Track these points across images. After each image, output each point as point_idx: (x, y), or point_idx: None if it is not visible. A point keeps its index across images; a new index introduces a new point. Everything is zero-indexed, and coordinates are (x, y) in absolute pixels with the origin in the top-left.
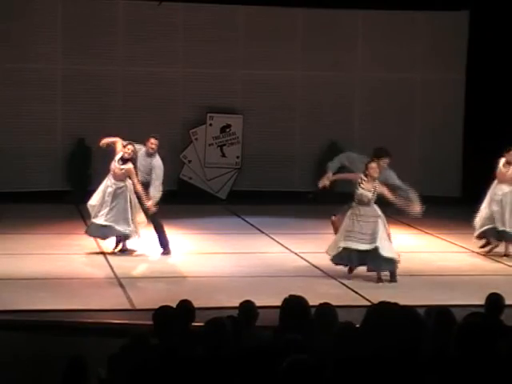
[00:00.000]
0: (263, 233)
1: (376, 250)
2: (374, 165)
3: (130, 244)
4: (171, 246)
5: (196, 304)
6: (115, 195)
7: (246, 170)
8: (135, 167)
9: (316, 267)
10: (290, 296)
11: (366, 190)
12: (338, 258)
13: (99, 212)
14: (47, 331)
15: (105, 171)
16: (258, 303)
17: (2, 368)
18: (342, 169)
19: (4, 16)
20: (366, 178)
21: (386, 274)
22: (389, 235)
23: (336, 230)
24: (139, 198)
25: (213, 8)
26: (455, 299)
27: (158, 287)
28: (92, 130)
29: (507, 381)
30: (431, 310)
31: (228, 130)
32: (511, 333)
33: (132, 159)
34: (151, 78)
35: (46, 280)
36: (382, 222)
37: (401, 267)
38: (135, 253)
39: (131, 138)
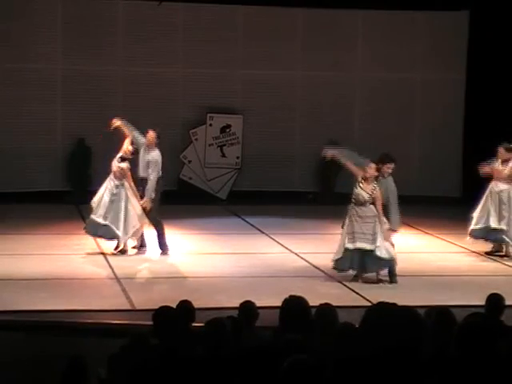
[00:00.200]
0: (263, 233)
1: (375, 251)
2: (373, 165)
3: (131, 245)
4: (171, 246)
5: (196, 304)
6: (113, 194)
7: (246, 170)
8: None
9: (316, 267)
10: (290, 296)
11: (364, 190)
12: (340, 263)
13: (98, 209)
14: (47, 331)
15: (105, 171)
16: (258, 303)
17: (2, 368)
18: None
19: (4, 16)
20: (365, 179)
21: (385, 274)
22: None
23: None
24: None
25: (213, 8)
26: (455, 299)
27: (158, 287)
28: (92, 130)
29: (507, 381)
30: (431, 310)
31: (228, 130)
32: (511, 333)
33: (130, 159)
34: (151, 78)
35: (47, 280)
36: (379, 223)
37: (401, 267)
38: (136, 253)
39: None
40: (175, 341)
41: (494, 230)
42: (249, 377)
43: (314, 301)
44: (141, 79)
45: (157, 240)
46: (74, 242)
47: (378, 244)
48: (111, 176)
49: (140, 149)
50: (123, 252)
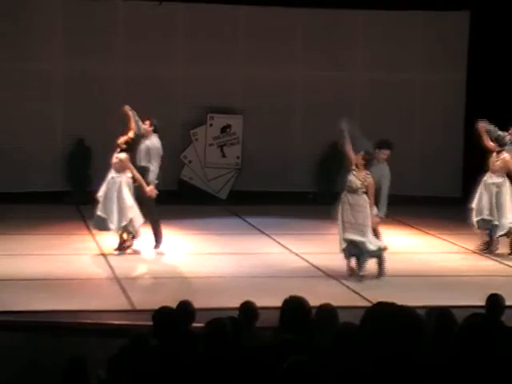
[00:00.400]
0: (263, 233)
1: (364, 243)
2: (361, 154)
3: (135, 244)
4: (169, 245)
5: (196, 305)
6: (111, 186)
7: (246, 170)
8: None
9: (316, 267)
10: (291, 296)
11: (356, 177)
12: (346, 252)
13: (100, 203)
14: (47, 332)
15: (105, 171)
16: (258, 304)
17: (2, 368)
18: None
19: (4, 16)
20: (357, 166)
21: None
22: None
23: None
24: (141, 187)
25: (213, 8)
26: (455, 300)
27: (158, 288)
28: (92, 130)
29: (508, 382)
30: (432, 310)
31: (228, 130)
32: None
33: (128, 150)
34: (151, 78)
35: (46, 281)
36: (369, 213)
37: (401, 267)
38: (133, 251)
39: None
40: (175, 341)
41: (488, 221)
42: (249, 377)
43: (314, 301)
44: (141, 79)
45: (152, 234)
46: (74, 243)
47: (367, 237)
48: (111, 169)
49: (141, 138)
50: (125, 247)
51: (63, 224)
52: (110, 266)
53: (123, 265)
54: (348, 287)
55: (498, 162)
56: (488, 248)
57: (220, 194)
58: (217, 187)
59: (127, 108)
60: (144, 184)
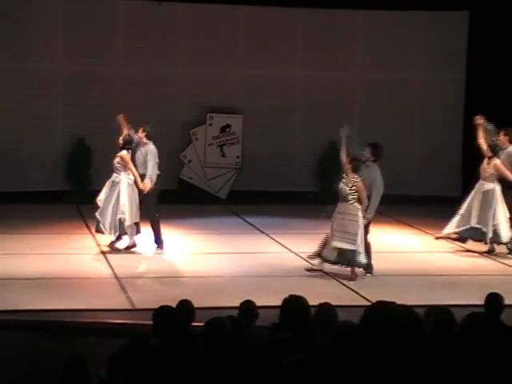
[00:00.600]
0: (263, 233)
1: (354, 252)
2: (349, 160)
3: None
4: (169, 245)
5: (196, 304)
6: (111, 189)
7: (246, 170)
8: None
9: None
10: (290, 296)
11: (345, 184)
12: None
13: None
14: (47, 331)
15: (105, 171)
16: (257, 303)
17: (2, 367)
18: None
19: (4, 16)
20: (347, 172)
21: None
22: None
23: None
24: (136, 182)
25: (213, 8)
26: (455, 299)
27: (158, 287)
28: (92, 130)
29: (507, 381)
30: (431, 309)
31: (228, 129)
32: (511, 333)
33: (126, 147)
34: (151, 78)
35: (47, 280)
36: (361, 224)
37: (400, 267)
38: (136, 252)
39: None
40: (175, 340)
41: (476, 229)
42: (249, 376)
43: (313, 300)
44: (141, 79)
45: (153, 236)
46: (74, 242)
47: (359, 247)
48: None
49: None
50: (128, 247)
51: (63, 223)
52: (110, 266)
53: (123, 264)
54: (347, 286)
55: (489, 169)
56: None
57: (220, 193)
58: (217, 187)
59: (121, 118)
60: (139, 180)
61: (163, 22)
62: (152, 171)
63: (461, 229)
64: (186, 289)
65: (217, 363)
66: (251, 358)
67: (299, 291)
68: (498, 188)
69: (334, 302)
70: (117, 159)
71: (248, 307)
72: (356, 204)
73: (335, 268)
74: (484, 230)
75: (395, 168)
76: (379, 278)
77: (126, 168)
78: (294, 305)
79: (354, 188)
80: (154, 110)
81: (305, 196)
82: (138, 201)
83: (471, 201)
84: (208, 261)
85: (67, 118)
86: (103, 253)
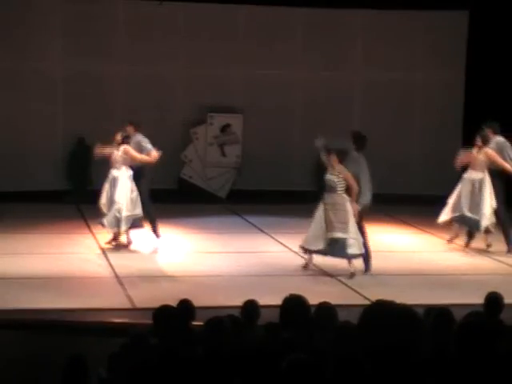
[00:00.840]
0: (263, 232)
1: (345, 241)
2: (335, 155)
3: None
4: (167, 243)
5: (196, 303)
6: (110, 186)
7: (246, 170)
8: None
9: (315, 266)
10: (290, 295)
11: (331, 174)
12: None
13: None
14: (48, 330)
15: (105, 171)
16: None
17: (2, 367)
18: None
19: (4, 16)
20: (333, 165)
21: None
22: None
23: None
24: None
25: (213, 7)
26: (455, 298)
27: (158, 286)
28: (92, 130)
29: (506, 380)
30: (431, 309)
31: (228, 129)
32: (510, 332)
33: (125, 142)
34: (151, 78)
35: (47, 279)
36: (351, 213)
37: (401, 266)
38: (137, 251)
39: None
40: (175, 340)
41: (468, 217)
42: (248, 375)
43: (313, 299)
44: (141, 79)
45: (151, 229)
46: (74, 241)
47: (347, 236)
48: (111, 170)
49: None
50: (119, 245)
51: (63, 223)
52: (111, 265)
53: (123, 263)
54: (347, 285)
55: (480, 157)
56: (467, 243)
57: (220, 192)
58: (217, 186)
59: (99, 152)
60: (145, 157)
61: (163, 21)
62: (151, 146)
63: (455, 215)
64: (187, 288)
65: (216, 363)
66: (251, 357)
67: (299, 290)
68: (487, 177)
69: (333, 301)
70: (118, 154)
71: (251, 307)
72: (344, 195)
73: (330, 262)
74: (476, 218)
75: (395, 168)
76: (379, 277)
77: (127, 162)
78: (294, 304)
79: (341, 177)
80: (155, 109)
81: (304, 195)
82: (137, 195)
83: (461, 190)
84: (208, 260)
85: (67, 117)
86: (103, 252)
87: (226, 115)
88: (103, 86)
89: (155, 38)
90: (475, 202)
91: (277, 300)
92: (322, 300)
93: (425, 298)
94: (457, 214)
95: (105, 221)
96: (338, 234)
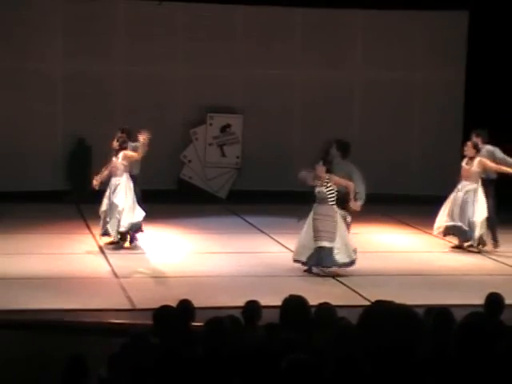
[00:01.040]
0: (263, 232)
1: (331, 250)
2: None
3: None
4: (167, 244)
5: (196, 303)
6: (112, 190)
7: (246, 170)
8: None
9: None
10: (290, 296)
11: (320, 185)
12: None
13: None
14: (47, 331)
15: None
16: None
17: (2, 367)
18: None
19: (4, 16)
20: (320, 177)
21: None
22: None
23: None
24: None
25: (213, 7)
26: (455, 299)
27: (158, 287)
28: (92, 130)
29: (506, 381)
30: (431, 309)
31: (228, 129)
32: (511, 333)
33: (123, 147)
34: (151, 78)
35: (46, 279)
36: (341, 223)
37: (400, 266)
38: (136, 252)
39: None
40: (175, 340)
41: (458, 227)
42: (249, 376)
43: (313, 300)
44: (141, 79)
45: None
46: (74, 242)
47: (337, 245)
48: (111, 178)
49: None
50: (119, 244)
51: (63, 223)
52: (110, 265)
53: (123, 264)
54: (347, 286)
55: (473, 168)
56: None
57: (220, 193)
58: (216, 186)
59: (96, 184)
60: (141, 149)
61: (163, 21)
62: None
63: (448, 224)
64: (186, 288)
65: (216, 363)
66: (251, 357)
67: (299, 291)
68: (480, 188)
69: (333, 302)
70: (118, 160)
71: (253, 307)
72: (334, 206)
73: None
74: (465, 228)
75: (395, 168)
76: (379, 277)
77: (127, 169)
78: (294, 305)
79: (330, 188)
80: (154, 109)
81: (304, 196)
82: (135, 200)
83: (453, 201)
84: (208, 260)
85: (67, 117)
86: (103, 252)
87: (225, 115)
88: (103, 86)
89: (155, 38)
90: (468, 213)
91: (277, 301)
92: (322, 301)
93: (424, 298)
94: (450, 224)
95: (109, 228)
96: (324, 243)
